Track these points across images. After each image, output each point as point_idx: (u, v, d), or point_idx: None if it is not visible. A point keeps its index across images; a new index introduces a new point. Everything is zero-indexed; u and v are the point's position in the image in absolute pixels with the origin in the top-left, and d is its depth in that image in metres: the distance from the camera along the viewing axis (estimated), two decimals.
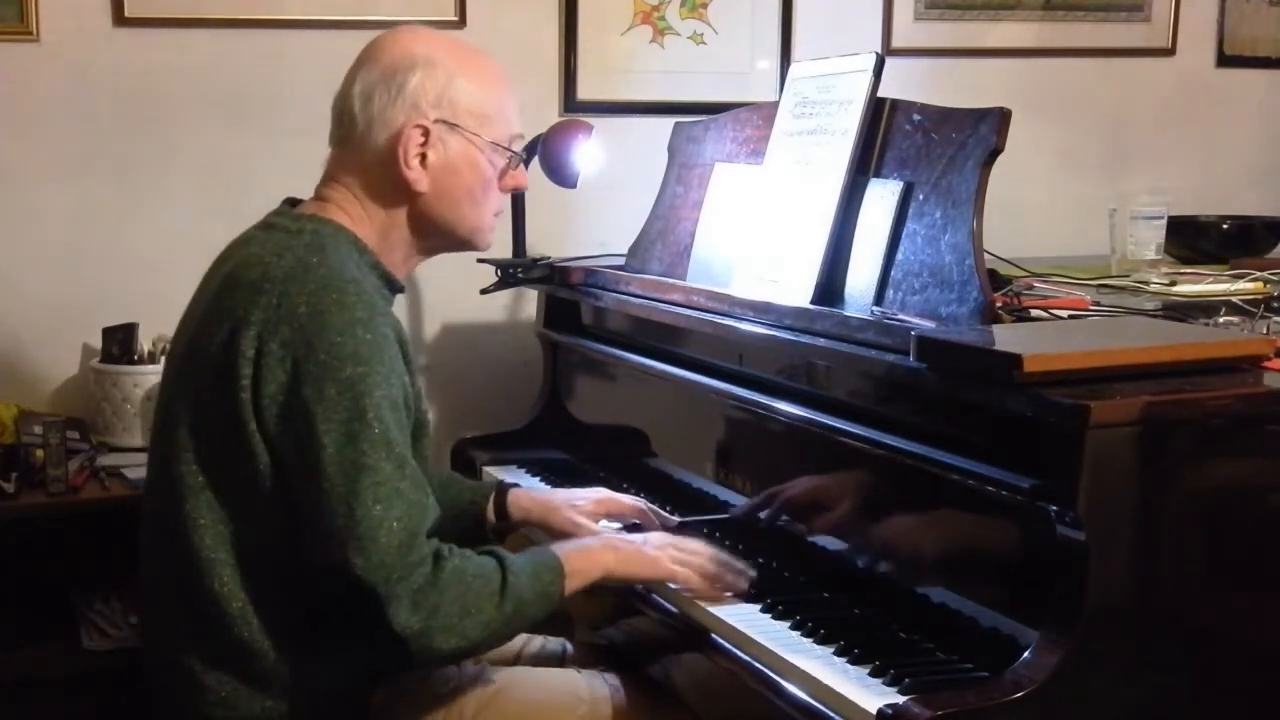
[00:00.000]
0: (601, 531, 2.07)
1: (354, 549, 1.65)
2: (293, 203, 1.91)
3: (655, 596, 1.94)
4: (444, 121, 1.83)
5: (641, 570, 1.90)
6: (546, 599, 1.79)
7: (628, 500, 2.15)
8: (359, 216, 1.85)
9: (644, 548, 1.92)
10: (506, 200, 1.97)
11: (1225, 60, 3.68)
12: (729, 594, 1.88)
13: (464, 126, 1.84)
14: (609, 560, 1.88)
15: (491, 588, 1.74)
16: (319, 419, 1.66)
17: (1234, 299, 2.14)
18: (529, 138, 2.72)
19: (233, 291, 1.74)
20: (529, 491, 2.20)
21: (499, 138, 1.88)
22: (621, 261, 2.61)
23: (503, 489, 2.16)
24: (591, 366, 2.66)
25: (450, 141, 1.84)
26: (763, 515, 2.04)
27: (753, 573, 1.91)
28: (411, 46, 1.85)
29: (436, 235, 1.90)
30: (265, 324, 1.69)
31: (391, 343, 1.74)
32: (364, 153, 1.84)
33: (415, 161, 1.82)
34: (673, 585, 1.91)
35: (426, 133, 1.82)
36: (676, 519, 2.13)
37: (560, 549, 1.86)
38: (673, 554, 1.91)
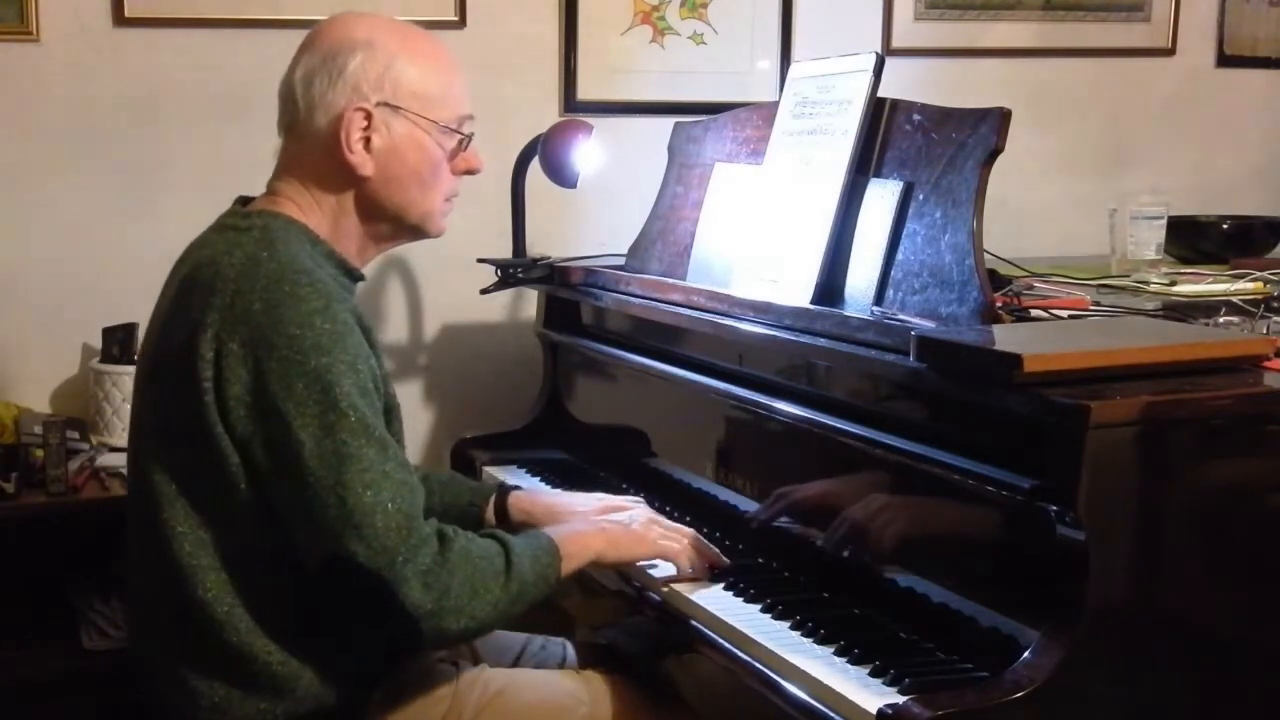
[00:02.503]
0: None
1: (352, 538, 1.64)
2: (245, 200, 1.89)
3: (652, 594, 1.94)
4: (386, 104, 1.80)
5: (632, 550, 1.93)
6: (545, 581, 1.80)
7: (629, 503, 2.15)
8: (309, 206, 1.83)
9: (631, 527, 1.95)
10: (461, 184, 1.92)
11: (1225, 60, 3.68)
12: (713, 573, 1.93)
13: (407, 109, 1.81)
14: (600, 543, 1.91)
15: (497, 568, 1.74)
16: (292, 415, 1.64)
17: (1234, 299, 2.14)
18: (529, 138, 2.74)
19: (188, 295, 1.73)
20: (530, 494, 2.20)
21: (446, 119, 1.85)
22: (621, 261, 2.61)
23: (504, 491, 2.16)
24: (591, 366, 2.66)
25: (394, 124, 1.81)
26: (763, 515, 2.04)
27: (726, 561, 1.96)
28: (353, 30, 1.83)
29: (386, 221, 1.87)
30: (222, 324, 1.67)
31: (353, 329, 1.72)
32: (308, 139, 1.82)
33: (359, 146, 1.80)
34: (657, 571, 1.93)
35: (369, 116, 1.79)
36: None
37: (553, 533, 1.87)
38: (659, 531, 1.95)
